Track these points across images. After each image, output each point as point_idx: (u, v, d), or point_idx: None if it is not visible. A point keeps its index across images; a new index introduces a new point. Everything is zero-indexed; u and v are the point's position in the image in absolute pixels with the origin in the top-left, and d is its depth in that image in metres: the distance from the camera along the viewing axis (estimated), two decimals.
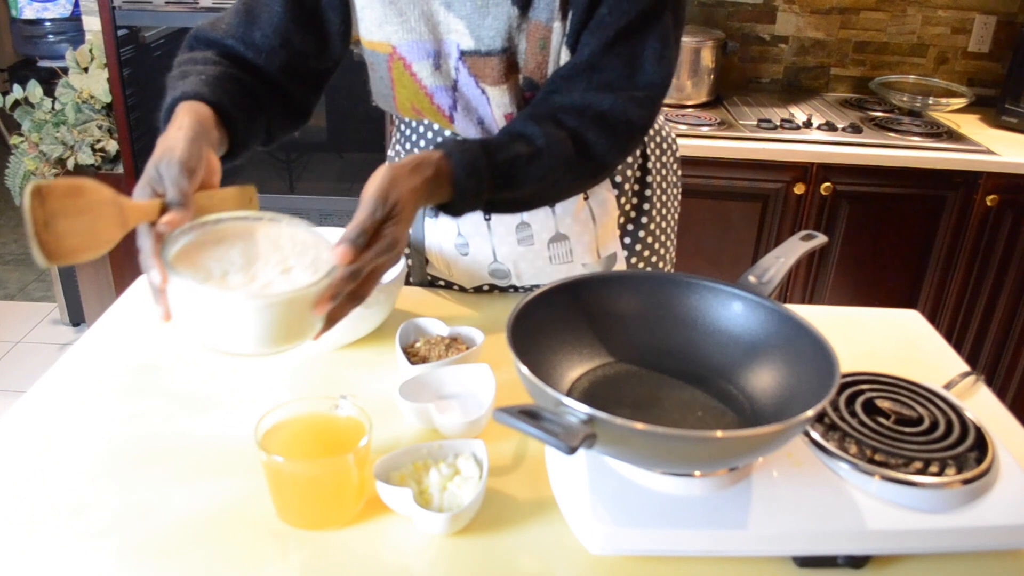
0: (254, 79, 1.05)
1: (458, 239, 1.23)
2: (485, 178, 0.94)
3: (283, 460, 0.80)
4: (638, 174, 1.26)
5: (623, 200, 1.25)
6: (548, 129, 1.00)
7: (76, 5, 2.80)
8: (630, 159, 1.24)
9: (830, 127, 2.40)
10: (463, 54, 1.05)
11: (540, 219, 1.19)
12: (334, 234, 1.01)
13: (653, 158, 1.28)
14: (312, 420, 0.88)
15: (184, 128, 0.85)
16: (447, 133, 1.15)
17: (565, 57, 1.05)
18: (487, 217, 1.19)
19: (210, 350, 0.80)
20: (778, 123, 2.40)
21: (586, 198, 1.20)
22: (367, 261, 0.82)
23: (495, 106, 1.08)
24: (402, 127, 1.26)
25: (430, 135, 1.19)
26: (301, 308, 0.78)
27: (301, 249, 0.84)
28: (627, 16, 1.00)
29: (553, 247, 1.21)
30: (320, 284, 0.78)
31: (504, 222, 1.19)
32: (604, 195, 1.21)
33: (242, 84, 1.01)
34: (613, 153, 1.06)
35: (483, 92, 1.07)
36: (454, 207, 0.96)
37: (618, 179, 1.23)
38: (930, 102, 2.58)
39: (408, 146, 1.24)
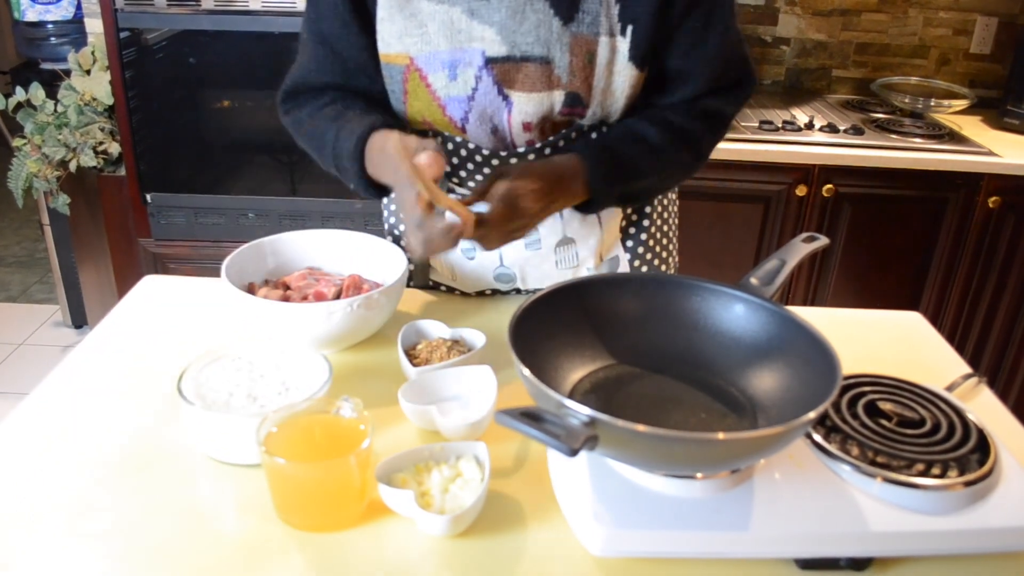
0: (373, 105, 1.11)
1: (464, 244, 1.22)
2: (616, 176, 1.06)
3: (284, 462, 0.80)
4: None
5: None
6: (660, 129, 1.10)
7: (78, 7, 2.80)
8: None
9: (832, 129, 2.40)
10: (489, 61, 1.04)
11: (548, 224, 1.19)
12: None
13: None
14: (313, 422, 0.88)
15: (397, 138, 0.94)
16: (457, 139, 1.15)
17: (625, 72, 1.06)
18: None
19: (224, 462, 0.92)
20: (780, 125, 2.40)
21: None
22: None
23: (516, 113, 1.07)
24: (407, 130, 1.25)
25: (439, 139, 1.18)
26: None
27: (299, 369, 0.98)
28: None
29: (560, 251, 1.21)
30: (312, 400, 0.89)
31: None
32: None
33: (363, 97, 1.11)
34: (712, 146, 1.17)
35: (505, 99, 1.06)
36: (592, 205, 1.08)
37: None
38: (932, 104, 2.58)
39: None
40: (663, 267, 1.32)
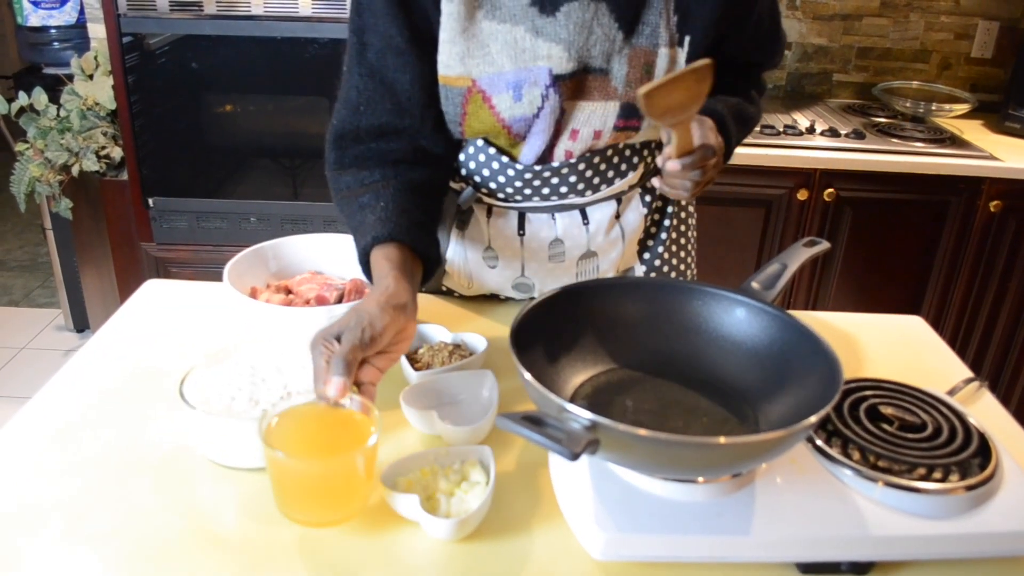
0: (417, 164, 1.09)
1: (487, 253, 1.22)
2: (737, 126, 1.15)
3: (285, 457, 0.78)
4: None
5: (647, 219, 1.25)
6: (739, 84, 1.21)
7: (81, 12, 2.81)
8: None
9: (833, 133, 2.40)
10: (557, 79, 1.03)
11: (573, 236, 1.19)
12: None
13: None
14: (318, 415, 0.85)
15: (379, 300, 0.88)
16: (491, 151, 1.13)
17: None
18: (521, 232, 1.19)
19: (225, 466, 0.91)
20: (781, 129, 2.40)
21: (617, 216, 1.20)
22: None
23: (569, 122, 1.07)
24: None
25: (472, 150, 1.15)
26: None
27: (302, 373, 0.98)
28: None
29: (581, 264, 1.22)
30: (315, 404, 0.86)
31: (538, 238, 1.19)
32: (636, 213, 1.22)
33: (414, 187, 1.06)
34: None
35: (563, 112, 1.06)
36: (726, 155, 1.12)
37: (647, 198, 1.23)
38: (933, 108, 2.58)
39: None
40: (680, 279, 1.32)
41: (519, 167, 1.12)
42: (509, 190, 1.15)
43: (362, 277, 1.18)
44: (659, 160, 0.98)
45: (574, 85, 1.05)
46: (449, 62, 1.04)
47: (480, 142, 1.13)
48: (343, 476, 0.81)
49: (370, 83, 1.06)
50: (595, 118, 1.07)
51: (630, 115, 1.08)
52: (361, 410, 0.84)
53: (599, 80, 1.06)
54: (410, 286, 0.94)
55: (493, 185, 1.15)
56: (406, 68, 1.04)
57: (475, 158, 1.14)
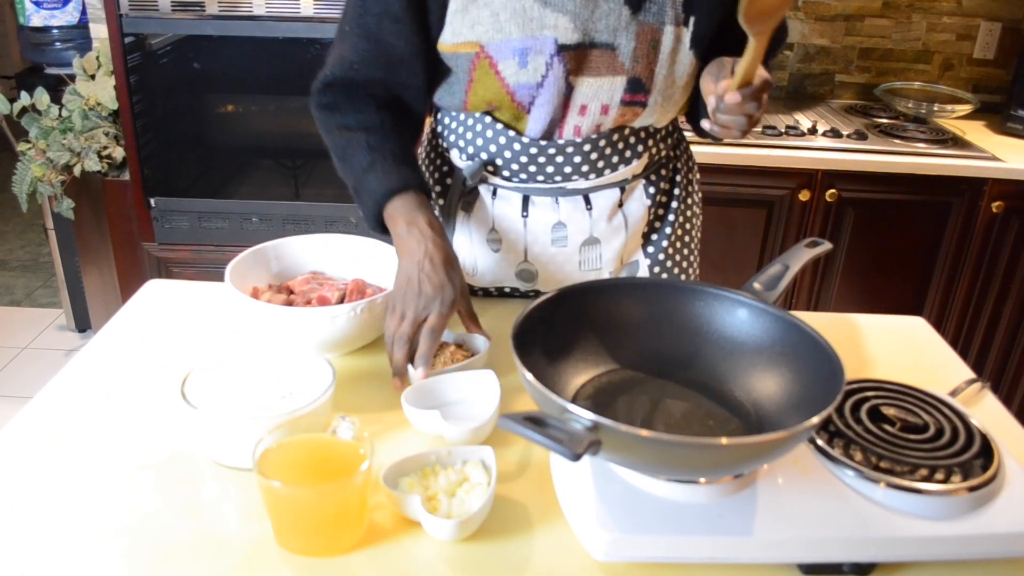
0: (402, 112, 1.17)
1: (491, 235, 1.23)
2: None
3: (280, 485, 0.77)
4: (666, 186, 1.27)
5: (651, 211, 1.26)
6: None
7: (83, 13, 2.81)
8: (663, 171, 1.26)
9: (835, 134, 2.40)
10: (561, 49, 1.06)
11: (576, 220, 1.20)
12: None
13: (684, 169, 1.30)
14: (311, 443, 0.86)
15: (442, 260, 1.04)
16: (499, 126, 1.15)
17: (686, 60, 1.11)
18: (524, 214, 1.20)
19: (227, 466, 0.91)
20: (783, 130, 2.40)
21: (620, 205, 1.20)
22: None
23: (578, 97, 1.10)
24: (446, 119, 1.23)
25: (479, 127, 1.17)
26: (298, 426, 0.88)
27: (303, 374, 0.98)
28: None
29: (584, 251, 1.22)
30: (314, 406, 0.88)
31: (541, 221, 1.20)
32: (639, 203, 1.22)
33: (405, 132, 1.17)
34: None
35: (568, 85, 1.09)
36: None
37: (651, 190, 1.24)
38: (935, 109, 2.58)
39: (454, 138, 1.22)
40: (682, 276, 1.32)
41: (525, 141, 1.14)
42: (514, 166, 1.17)
43: (363, 278, 1.18)
44: (711, 100, 0.98)
45: (580, 58, 1.08)
46: (460, 30, 1.07)
47: (488, 118, 1.15)
48: (336, 504, 0.80)
49: (367, 44, 1.11)
50: (602, 92, 1.10)
51: (636, 89, 1.10)
52: (354, 439, 0.85)
53: (606, 55, 1.08)
54: (444, 235, 1.06)
55: (499, 161, 1.17)
56: (403, 34, 1.08)
57: (482, 134, 1.17)
